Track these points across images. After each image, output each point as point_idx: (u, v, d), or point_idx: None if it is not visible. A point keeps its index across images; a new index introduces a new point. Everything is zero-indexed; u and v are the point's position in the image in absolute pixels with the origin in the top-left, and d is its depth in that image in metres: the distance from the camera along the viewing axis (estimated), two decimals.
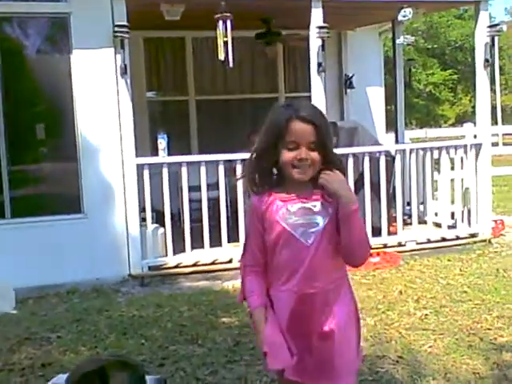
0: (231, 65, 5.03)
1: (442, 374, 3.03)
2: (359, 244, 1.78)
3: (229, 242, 5.28)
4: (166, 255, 5.21)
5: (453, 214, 6.08)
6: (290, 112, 1.76)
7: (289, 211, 1.78)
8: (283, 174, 1.80)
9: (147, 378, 1.68)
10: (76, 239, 5.01)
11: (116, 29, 4.81)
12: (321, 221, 1.77)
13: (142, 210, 5.14)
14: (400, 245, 5.77)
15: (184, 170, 5.19)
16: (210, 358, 3.34)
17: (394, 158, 5.84)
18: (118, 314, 4.25)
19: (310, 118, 1.75)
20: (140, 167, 5.06)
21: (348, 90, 7.74)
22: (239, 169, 5.30)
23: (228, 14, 4.87)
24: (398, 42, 6.95)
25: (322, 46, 5.36)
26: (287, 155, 1.75)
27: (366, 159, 5.59)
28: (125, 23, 4.83)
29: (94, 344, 3.63)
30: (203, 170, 5.22)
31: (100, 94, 5.07)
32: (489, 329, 3.63)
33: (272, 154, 1.78)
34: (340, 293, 1.84)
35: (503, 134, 20.65)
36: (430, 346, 3.39)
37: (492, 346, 3.35)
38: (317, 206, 1.78)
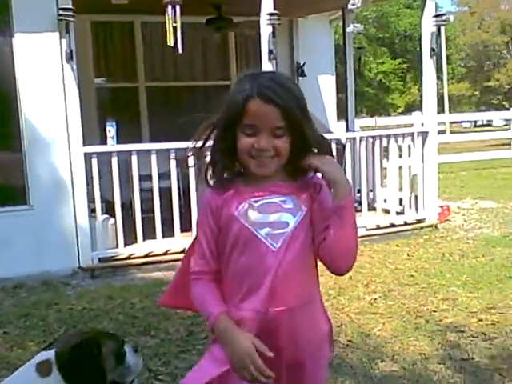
0: (180, 51, 4.96)
1: (390, 356, 3.12)
2: (348, 245, 1.43)
3: (181, 232, 5.25)
4: (117, 246, 5.12)
5: (401, 201, 6.24)
6: (250, 87, 1.39)
7: (251, 206, 1.43)
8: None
9: (125, 346, 1.90)
10: (22, 231, 4.85)
11: (60, 12, 4.64)
12: (291, 220, 1.43)
13: (92, 200, 5.02)
14: None
15: (134, 158, 5.10)
16: (162, 348, 3.32)
17: (344, 146, 5.92)
18: (68, 307, 4.16)
19: (276, 97, 1.37)
20: (88, 156, 4.94)
21: (300, 78, 7.76)
22: (191, 157, 5.24)
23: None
24: (347, 30, 7.03)
25: (273, 33, 5.35)
26: (243, 141, 1.40)
27: None
28: (70, 6, 4.66)
29: (42, 339, 3.54)
30: (154, 158, 5.14)
31: (45, 80, 4.89)
32: (434, 311, 3.76)
33: (230, 137, 1.43)
34: (313, 312, 1.50)
35: (450, 123, 21.37)
36: (379, 330, 3.48)
37: (437, 328, 3.48)
38: (287, 201, 1.44)
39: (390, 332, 3.44)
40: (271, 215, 1.43)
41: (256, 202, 1.44)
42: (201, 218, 1.52)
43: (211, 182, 1.50)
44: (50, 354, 1.73)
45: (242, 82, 1.43)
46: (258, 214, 1.43)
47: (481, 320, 3.55)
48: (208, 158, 1.50)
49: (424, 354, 3.13)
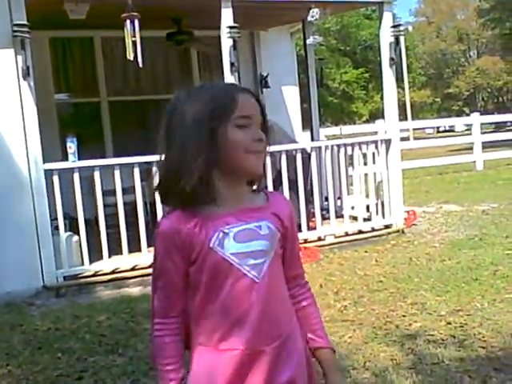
0: (141, 65, 4.92)
1: (362, 363, 3.11)
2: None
3: (148, 246, 5.16)
4: (83, 264, 5.00)
5: (368, 207, 6.30)
6: (227, 87, 1.37)
7: (226, 235, 1.27)
8: (214, 178, 1.27)
9: None
10: None
11: (15, 28, 4.53)
12: (269, 248, 1.31)
13: (55, 217, 4.90)
14: (320, 239, 5.91)
15: (97, 174, 5.00)
16: (131, 367, 3.23)
17: (309, 155, 5.96)
18: (33, 328, 4.03)
19: (254, 93, 1.35)
20: (49, 173, 4.83)
21: (264, 90, 7.81)
22: (155, 171, 5.20)
23: (135, 14, 4.74)
24: (308, 42, 7.10)
25: (234, 45, 5.37)
26: (239, 135, 1.26)
27: (284, 157, 5.66)
28: (25, 22, 4.56)
29: (5, 362, 3.42)
30: (117, 173, 5.06)
31: (1, 98, 4.77)
32: (404, 316, 3.78)
33: (214, 142, 1.26)
34: (294, 343, 1.37)
35: (413, 129, 21.83)
36: (350, 337, 3.47)
37: (407, 332, 3.49)
38: (262, 227, 1.31)
39: (360, 339, 3.44)
40: (250, 244, 1.29)
41: (230, 229, 1.28)
42: (161, 254, 1.31)
43: (173, 204, 1.30)
44: None
45: (213, 87, 1.34)
46: (236, 244, 1.27)
47: (449, 323, 3.58)
48: (170, 177, 1.28)
49: (395, 359, 3.13)
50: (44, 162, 4.82)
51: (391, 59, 6.12)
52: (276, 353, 1.31)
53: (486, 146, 13.08)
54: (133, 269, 5.14)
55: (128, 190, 5.28)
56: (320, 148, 6.16)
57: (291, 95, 8.25)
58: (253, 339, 1.28)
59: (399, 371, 2.98)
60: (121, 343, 3.59)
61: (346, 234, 6.06)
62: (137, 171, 5.13)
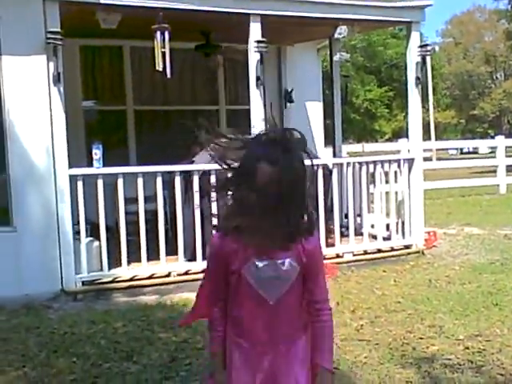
0: (169, 76, 4.98)
1: (377, 383, 3.07)
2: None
3: (167, 255, 5.20)
4: (102, 269, 5.04)
5: (388, 226, 6.24)
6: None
7: (256, 266, 1.63)
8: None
9: None
10: (4, 253, 4.75)
11: (48, 35, 4.65)
12: (287, 280, 1.65)
13: (76, 222, 4.96)
14: (338, 256, 5.87)
15: (120, 181, 5.06)
16: (144, 374, 3.24)
17: (331, 172, 5.94)
18: (49, 331, 4.07)
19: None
20: (74, 178, 4.90)
21: (288, 104, 7.84)
22: (178, 181, 5.24)
23: (166, 25, 4.82)
24: (334, 58, 7.12)
25: (261, 60, 5.41)
26: None
27: None
28: (58, 30, 4.67)
29: (21, 363, 3.45)
30: (140, 181, 5.11)
31: (32, 102, 4.87)
32: (421, 338, 3.73)
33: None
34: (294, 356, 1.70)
35: (437, 149, 21.64)
36: (366, 357, 3.43)
37: (424, 355, 3.44)
38: (286, 263, 1.63)
39: (376, 359, 3.40)
40: (272, 275, 1.63)
41: (260, 261, 1.62)
42: (211, 258, 1.74)
43: (227, 227, 1.63)
44: None
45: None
46: (260, 274, 1.63)
47: (467, 348, 3.52)
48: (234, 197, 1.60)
49: (411, 382, 3.09)
50: (69, 168, 4.90)
51: (417, 78, 6.10)
52: (276, 356, 1.67)
53: (511, 169, 12.91)
54: (150, 277, 5.17)
55: (149, 199, 5.33)
56: (342, 164, 6.15)
57: (315, 111, 8.27)
58: (257, 343, 1.67)
59: None
60: (136, 351, 3.60)
61: (365, 253, 6.01)
62: (159, 180, 5.18)
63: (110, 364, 3.42)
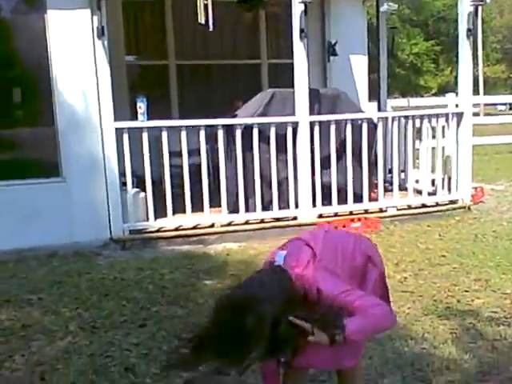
0: (211, 29, 4.93)
1: (421, 334, 3.08)
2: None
3: (210, 207, 5.27)
4: (148, 220, 5.17)
5: (433, 182, 6.12)
6: None
7: None
8: None
9: None
10: (55, 203, 4.94)
11: None
12: None
13: (122, 174, 5.07)
14: (381, 211, 5.82)
15: (164, 134, 5.11)
16: (191, 318, 3.35)
17: (376, 126, 5.83)
18: (100, 276, 4.24)
19: None
20: (119, 131, 4.98)
21: (331, 57, 7.65)
22: (220, 134, 5.25)
23: None
24: (381, 9, 6.88)
25: (305, 11, 5.27)
26: None
27: (349, 126, 5.57)
28: None
29: (75, 306, 3.62)
30: (184, 135, 5.15)
31: (77, 56, 4.93)
32: (466, 291, 3.70)
33: None
34: None
35: (485, 105, 20.84)
36: (409, 308, 3.44)
37: (469, 308, 3.42)
38: None
39: (420, 310, 3.40)
40: None
41: None
42: None
43: None
44: None
45: None
46: None
47: None
48: None
49: (455, 333, 3.08)
50: (115, 121, 4.97)
51: (468, 30, 5.83)
52: None
53: None
54: (194, 227, 5.28)
55: (193, 152, 5.37)
56: (387, 119, 6.01)
57: (359, 64, 8.03)
58: None
59: (458, 345, 2.94)
60: (182, 296, 3.72)
61: (409, 207, 5.94)
62: (202, 133, 5.20)
63: (157, 308, 3.55)
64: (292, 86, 5.41)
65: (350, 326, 1.70)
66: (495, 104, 28.33)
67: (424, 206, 5.95)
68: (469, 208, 6.02)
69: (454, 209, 5.96)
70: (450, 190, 6.07)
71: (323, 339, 1.68)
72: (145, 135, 5.06)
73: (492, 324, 3.18)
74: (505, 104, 29.67)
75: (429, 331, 3.12)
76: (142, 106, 5.14)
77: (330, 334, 1.68)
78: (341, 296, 1.74)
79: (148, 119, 5.16)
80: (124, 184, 5.06)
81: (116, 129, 4.97)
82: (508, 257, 4.39)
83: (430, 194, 6.02)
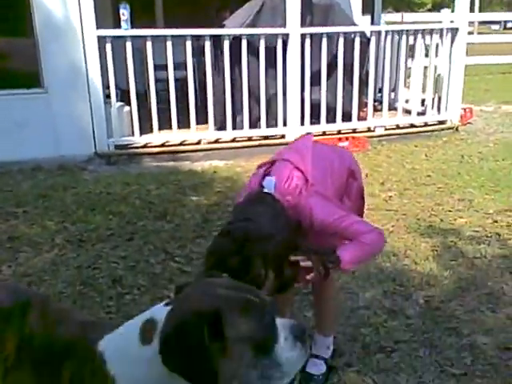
0: None
1: (403, 251, 3.15)
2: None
3: (197, 124, 5.18)
4: (133, 135, 5.08)
5: (423, 101, 6.05)
6: None
7: None
8: None
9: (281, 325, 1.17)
10: (37, 115, 4.81)
11: None
12: None
13: (106, 87, 4.91)
14: (369, 130, 5.78)
15: (149, 45, 4.90)
16: (178, 233, 3.38)
17: (369, 40, 5.65)
18: (85, 190, 4.22)
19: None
20: (102, 40, 4.76)
21: None
22: (207, 46, 5.05)
23: None
24: None
25: None
26: None
27: (341, 40, 5.39)
28: None
29: (61, 219, 3.62)
30: (169, 45, 4.94)
31: None
32: (449, 211, 3.76)
33: None
34: None
35: (479, 23, 20.33)
36: (393, 226, 3.50)
37: (451, 227, 3.48)
38: None
39: (403, 228, 3.46)
40: None
41: None
42: None
43: None
44: (160, 312, 1.11)
45: None
46: None
47: (496, 221, 3.54)
48: None
49: (436, 250, 3.15)
50: (97, 29, 4.74)
51: None
52: None
53: None
54: (181, 144, 5.21)
55: (179, 66, 5.19)
56: (380, 33, 5.81)
57: None
58: None
59: (439, 261, 3.01)
60: (169, 211, 3.73)
61: (397, 127, 5.90)
62: (189, 44, 5.00)
63: (144, 222, 3.56)
64: None
65: (344, 256, 1.71)
66: (489, 22, 27.61)
67: (412, 126, 5.92)
68: (457, 129, 6.01)
69: (443, 129, 5.94)
70: (439, 110, 6.01)
71: (321, 272, 1.71)
72: (128, 45, 4.85)
73: (473, 242, 3.25)
74: (499, 23, 28.92)
75: (411, 248, 3.19)
76: (124, 13, 4.89)
77: (326, 267, 1.70)
78: (335, 223, 1.73)
79: (132, 28, 4.92)
80: (108, 96, 4.91)
81: (98, 37, 4.75)
82: (492, 178, 4.43)
83: (419, 113, 5.97)
